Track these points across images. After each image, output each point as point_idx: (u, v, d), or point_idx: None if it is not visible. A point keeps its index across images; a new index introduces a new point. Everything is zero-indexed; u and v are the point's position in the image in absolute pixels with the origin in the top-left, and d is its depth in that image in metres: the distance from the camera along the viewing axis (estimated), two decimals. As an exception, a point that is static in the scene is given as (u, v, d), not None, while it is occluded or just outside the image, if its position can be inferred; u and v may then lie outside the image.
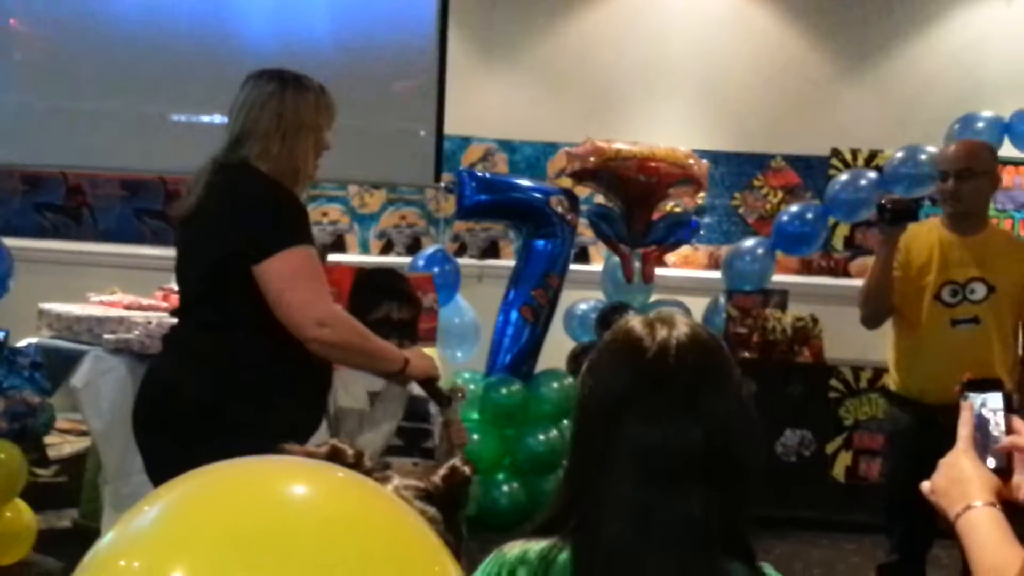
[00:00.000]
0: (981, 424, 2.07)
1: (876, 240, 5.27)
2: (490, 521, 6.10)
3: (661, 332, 1.84)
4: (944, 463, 2.05)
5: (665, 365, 1.81)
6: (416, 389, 3.86)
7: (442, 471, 1.68)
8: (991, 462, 2.02)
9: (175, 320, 3.81)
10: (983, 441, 2.05)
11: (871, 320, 4.97)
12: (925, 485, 2.05)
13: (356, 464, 1.49)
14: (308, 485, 1.22)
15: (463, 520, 1.70)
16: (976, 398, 2.10)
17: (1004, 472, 2.02)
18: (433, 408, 3.98)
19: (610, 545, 1.78)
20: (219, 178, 3.53)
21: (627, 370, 1.83)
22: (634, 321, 1.89)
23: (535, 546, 1.84)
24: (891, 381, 4.99)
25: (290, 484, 1.21)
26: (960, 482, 1.99)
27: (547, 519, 1.88)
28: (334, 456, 1.47)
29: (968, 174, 4.73)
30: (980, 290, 4.76)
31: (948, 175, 4.77)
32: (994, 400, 2.10)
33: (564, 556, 1.81)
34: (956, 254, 4.77)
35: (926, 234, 4.85)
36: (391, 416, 3.85)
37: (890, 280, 4.78)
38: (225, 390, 3.45)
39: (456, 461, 1.70)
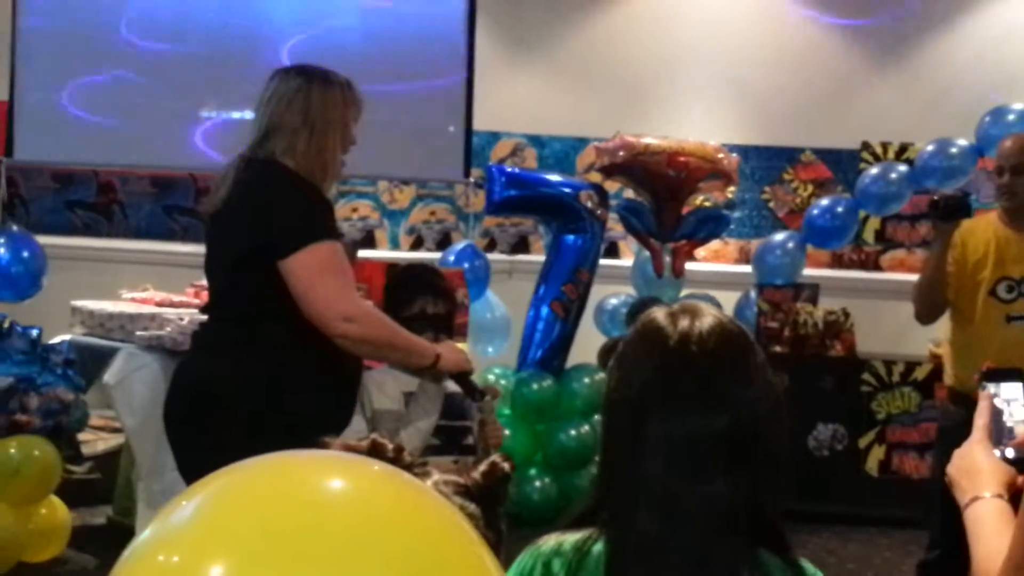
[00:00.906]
0: (996, 414, 2.06)
1: (921, 234, 5.20)
2: (522, 516, 6.09)
3: (683, 322, 1.85)
4: (958, 453, 2.04)
5: (687, 354, 1.82)
6: (453, 386, 3.85)
7: (482, 467, 1.68)
8: (1009, 452, 2.00)
9: (205, 316, 3.82)
10: (996, 431, 2.03)
11: (924, 315, 4.93)
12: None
13: (396, 459, 1.48)
14: (346, 480, 1.21)
15: (503, 517, 1.70)
16: (993, 387, 2.08)
17: (1022, 463, 2.00)
18: (473, 406, 3.97)
19: (639, 534, 1.79)
20: (246, 174, 3.53)
21: (650, 360, 1.85)
22: (658, 312, 1.90)
23: (570, 538, 1.85)
24: (946, 376, 4.96)
25: (328, 479, 1.21)
26: (971, 473, 1.99)
27: (582, 511, 1.90)
28: (374, 451, 1.47)
29: (1023, 168, 4.69)
30: None
31: (1004, 169, 4.71)
32: (1010, 390, 2.07)
33: (598, 547, 1.83)
34: (1013, 250, 4.72)
35: (982, 229, 4.79)
36: (426, 414, 3.83)
37: (943, 275, 4.73)
38: (254, 386, 3.45)
39: (496, 457, 1.69)
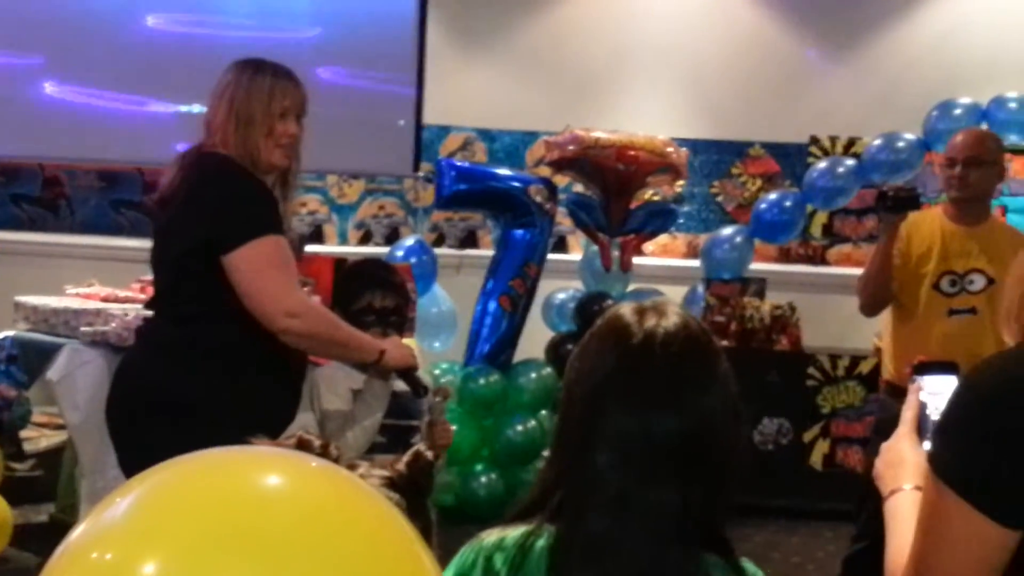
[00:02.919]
0: (922, 407, 2.06)
1: (868, 229, 5.25)
2: (468, 512, 6.10)
3: (649, 321, 1.84)
4: (885, 446, 2.04)
5: (649, 353, 1.81)
6: (401, 385, 3.84)
7: (405, 457, 1.68)
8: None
9: (150, 312, 3.79)
10: (922, 424, 2.04)
11: (869, 308, 4.96)
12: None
13: (323, 454, 1.48)
14: (281, 475, 1.21)
15: (431, 506, 1.70)
16: (922, 381, 2.08)
17: None
18: (423, 405, 3.96)
19: (588, 531, 1.78)
20: (192, 168, 3.51)
21: (612, 355, 1.83)
22: (625, 308, 1.89)
23: (512, 533, 1.84)
24: (884, 369, 4.99)
25: (263, 474, 1.20)
26: (895, 466, 1.99)
27: (527, 503, 1.88)
28: (300, 447, 1.47)
29: (975, 162, 4.74)
30: (979, 281, 4.75)
31: (955, 161, 4.76)
32: (937, 383, 2.07)
33: (541, 543, 1.81)
34: (957, 244, 4.77)
35: (928, 223, 4.84)
36: (371, 413, 3.82)
37: (889, 268, 4.77)
38: (195, 382, 3.43)
39: (420, 447, 1.70)
